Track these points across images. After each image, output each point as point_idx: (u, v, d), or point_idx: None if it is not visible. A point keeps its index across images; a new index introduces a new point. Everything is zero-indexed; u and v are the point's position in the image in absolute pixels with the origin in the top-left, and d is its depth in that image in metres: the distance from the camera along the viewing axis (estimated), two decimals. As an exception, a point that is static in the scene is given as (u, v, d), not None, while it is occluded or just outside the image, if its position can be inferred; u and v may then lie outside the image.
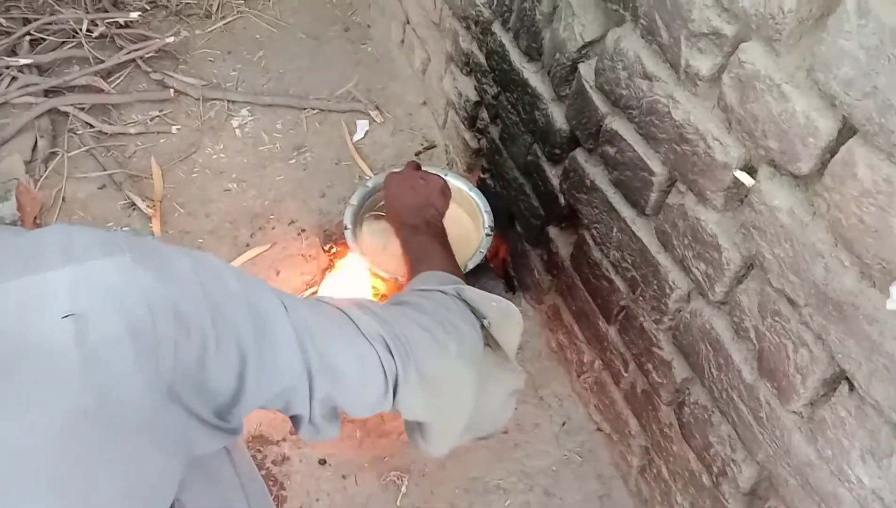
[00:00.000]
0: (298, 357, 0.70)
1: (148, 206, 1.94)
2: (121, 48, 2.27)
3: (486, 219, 1.67)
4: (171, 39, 2.26)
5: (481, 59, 1.66)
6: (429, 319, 0.86)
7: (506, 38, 1.51)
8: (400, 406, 0.82)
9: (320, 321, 0.76)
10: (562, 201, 1.43)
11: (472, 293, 0.94)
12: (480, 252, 1.61)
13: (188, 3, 2.49)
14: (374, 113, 2.16)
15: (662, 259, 1.16)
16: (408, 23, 2.15)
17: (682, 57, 0.97)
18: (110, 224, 1.93)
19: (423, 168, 1.45)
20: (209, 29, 2.44)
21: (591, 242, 1.36)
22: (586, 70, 1.24)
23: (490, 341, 0.95)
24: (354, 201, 1.68)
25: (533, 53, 1.41)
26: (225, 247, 1.89)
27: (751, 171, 0.92)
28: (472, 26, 1.66)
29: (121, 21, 2.31)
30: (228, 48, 2.39)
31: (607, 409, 1.48)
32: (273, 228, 1.93)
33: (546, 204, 1.52)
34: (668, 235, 1.13)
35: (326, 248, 1.77)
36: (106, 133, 2.11)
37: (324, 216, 1.96)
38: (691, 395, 1.17)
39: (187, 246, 1.91)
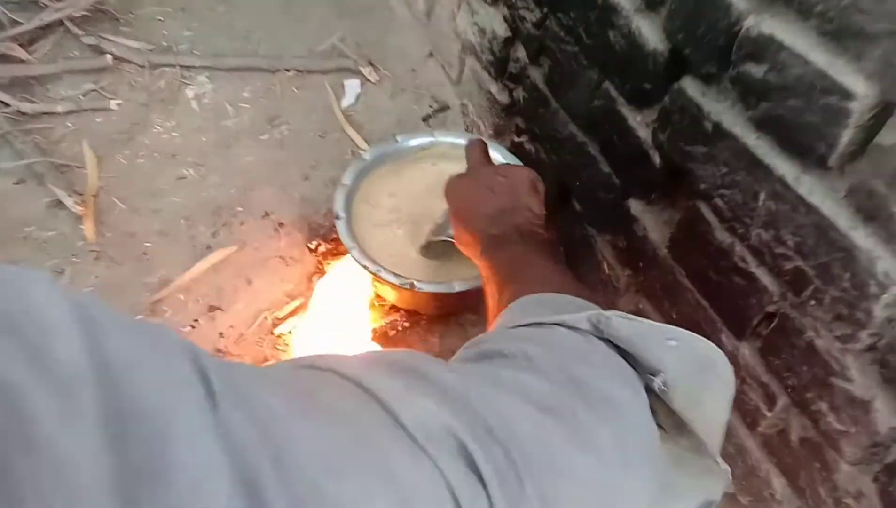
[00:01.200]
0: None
1: (76, 202, 1.47)
2: (44, 7, 1.80)
3: (531, 196, 1.21)
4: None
5: (515, -26, 1.19)
6: (549, 385, 0.44)
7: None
8: None
9: (310, 421, 0.32)
10: (656, 160, 0.97)
11: (626, 325, 0.50)
12: (528, 242, 1.15)
13: (129, -48, 2.01)
14: (366, 71, 1.69)
15: (861, 239, 0.71)
16: (404, -46, 1.68)
17: None
18: (30, 228, 1.46)
19: (492, 150, 1.08)
20: (158, -18, 1.96)
21: (712, 218, 0.90)
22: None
23: (664, 414, 0.50)
24: (347, 180, 1.23)
25: (604, -57, 0.94)
26: (179, 251, 1.43)
27: None
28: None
29: (42, -27, 1.83)
30: (181, 4, 1.91)
31: (731, 459, 1.02)
32: (242, 223, 1.47)
33: (625, 168, 1.06)
34: (875, 198, 0.67)
35: (312, 246, 1.31)
36: (26, 113, 1.64)
37: (308, 205, 1.49)
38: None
39: (128, 251, 1.46)
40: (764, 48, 0.74)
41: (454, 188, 1.00)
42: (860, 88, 0.66)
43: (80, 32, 1.78)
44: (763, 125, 0.79)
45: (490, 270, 0.84)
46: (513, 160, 1.24)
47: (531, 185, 0.96)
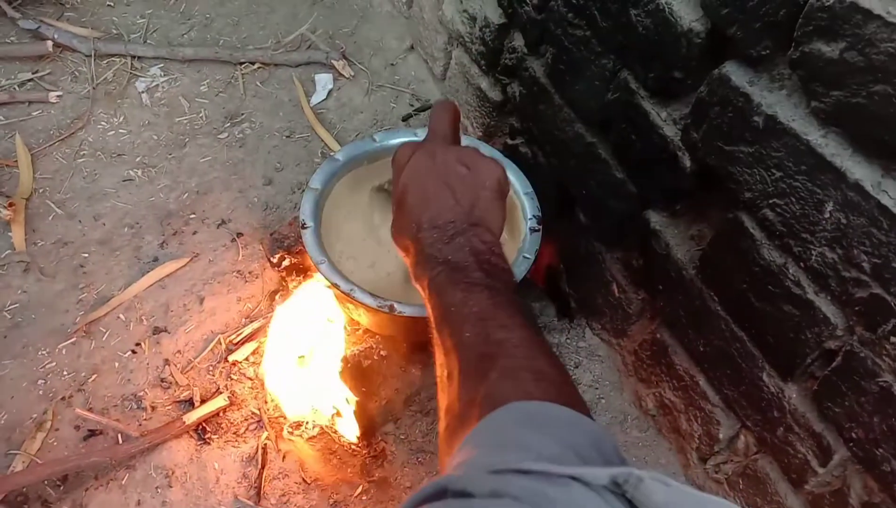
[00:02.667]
0: None
1: (4, 206, 1.27)
2: (-23, -12, 1.60)
3: (529, 205, 1.05)
4: (47, -28, 1.60)
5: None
6: None
7: None
8: None
9: None
10: (685, 163, 0.82)
11: (661, 492, 0.38)
12: (525, 257, 1.00)
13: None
14: (339, 64, 1.52)
15: (968, 262, 0.56)
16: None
17: None
18: (-51, 237, 1.27)
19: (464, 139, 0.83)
20: (109, -35, 1.77)
21: (758, 233, 0.75)
22: None
23: None
24: (316, 184, 1.06)
25: None
26: (122, 263, 1.24)
27: None
28: None
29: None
30: (135, -11, 1.73)
31: (766, 520, 0.86)
32: (195, 232, 1.29)
33: (645, 173, 0.90)
34: None
35: (275, 260, 1.12)
36: (-49, 105, 1.45)
37: (270, 214, 1.32)
38: None
39: (62, 263, 1.26)
40: (842, 20, 0.59)
41: (403, 162, 0.78)
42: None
43: (16, 15, 1.59)
44: (833, 119, 0.64)
45: (439, 310, 0.65)
46: (510, 166, 1.08)
47: (498, 187, 0.75)
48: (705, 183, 0.81)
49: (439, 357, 0.63)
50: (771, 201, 0.71)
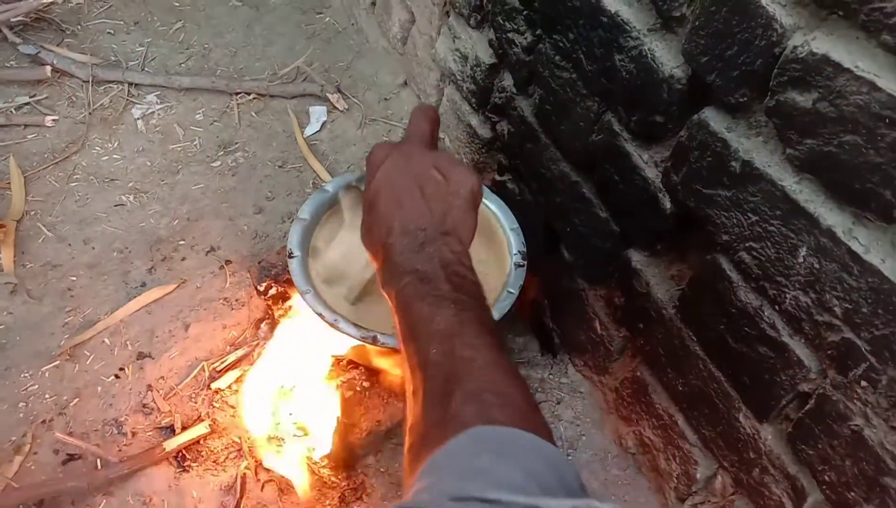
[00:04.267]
0: None
1: (-7, 227, 1.28)
2: (-22, 12, 1.63)
3: (515, 241, 1.07)
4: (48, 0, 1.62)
5: (504, -7, 1.06)
6: None
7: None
8: None
9: None
10: (665, 204, 0.83)
11: None
12: (509, 292, 1.01)
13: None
14: (334, 97, 1.54)
15: (935, 309, 0.57)
16: (381, -24, 1.55)
17: None
18: (-62, 256, 1.27)
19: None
20: (111, -7, 1.80)
21: (735, 275, 0.76)
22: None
23: None
24: (305, 214, 1.07)
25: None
26: (109, 287, 1.25)
27: None
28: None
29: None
30: (135, 18, 1.75)
31: (742, 562, 0.86)
32: (184, 258, 1.30)
33: (627, 213, 0.92)
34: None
35: (262, 289, 1.13)
36: (-54, 126, 1.46)
37: (260, 242, 1.33)
38: None
39: (50, 286, 1.27)
40: (815, 72, 0.61)
41: (378, 162, 0.76)
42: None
43: (17, 41, 1.61)
44: (806, 166, 0.65)
45: (406, 325, 0.65)
46: (496, 201, 1.10)
47: (471, 196, 0.74)
48: (685, 225, 0.82)
49: (406, 373, 0.63)
50: (747, 245, 0.73)
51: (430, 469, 0.48)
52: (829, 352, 0.67)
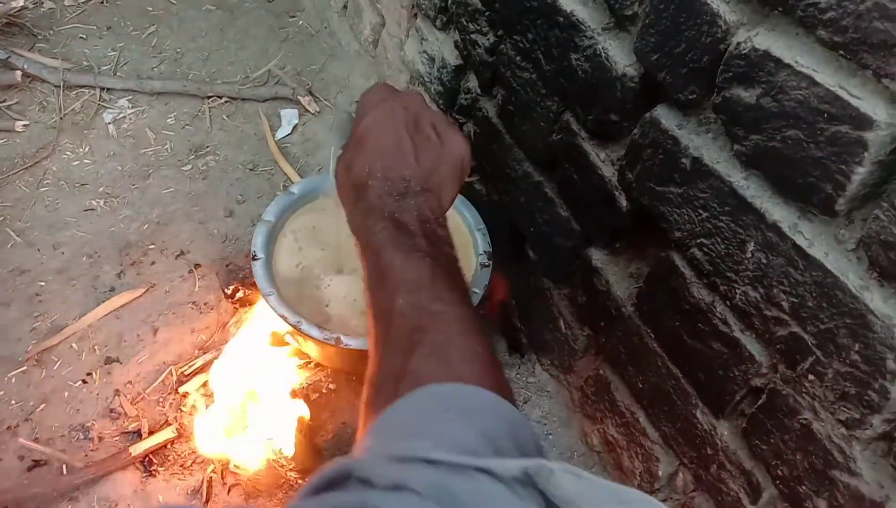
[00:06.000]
0: None
1: (-39, 233, 1.28)
2: (-52, 18, 1.62)
3: (481, 241, 1.07)
4: (20, 4, 1.62)
5: (468, -6, 1.06)
6: None
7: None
8: None
9: None
10: (622, 203, 0.84)
11: (572, 483, 0.38)
12: (475, 292, 1.01)
13: (55, -34, 1.85)
14: (305, 100, 1.54)
15: (875, 302, 0.58)
16: (352, -21, 1.55)
17: None
18: None
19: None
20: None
21: (688, 272, 0.77)
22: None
23: None
24: (270, 216, 1.07)
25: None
26: (78, 292, 1.24)
27: None
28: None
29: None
30: (108, 23, 1.75)
31: (703, 558, 0.87)
32: (153, 263, 1.29)
33: (586, 212, 0.92)
34: (894, 251, 0.54)
35: (229, 291, 1.13)
36: (-85, 132, 1.46)
37: (229, 245, 1.33)
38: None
39: (18, 291, 1.26)
40: (757, 67, 0.61)
41: (374, 101, 0.73)
42: (881, 115, 0.53)
43: (-13, 46, 1.60)
44: (753, 162, 0.66)
45: (376, 272, 0.63)
46: (463, 201, 1.10)
47: (460, 163, 0.73)
48: (641, 222, 0.82)
49: (369, 321, 0.61)
50: (699, 241, 0.73)
51: (379, 426, 0.47)
52: (778, 346, 0.68)
